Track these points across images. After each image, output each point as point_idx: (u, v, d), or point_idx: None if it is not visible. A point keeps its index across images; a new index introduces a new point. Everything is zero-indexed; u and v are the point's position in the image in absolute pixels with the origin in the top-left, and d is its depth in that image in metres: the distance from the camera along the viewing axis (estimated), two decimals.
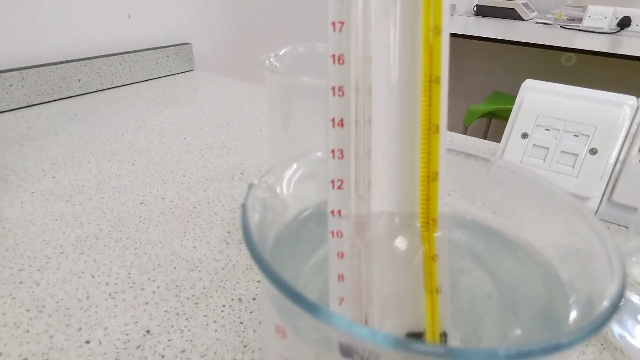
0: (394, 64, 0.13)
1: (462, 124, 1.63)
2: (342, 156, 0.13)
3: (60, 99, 0.60)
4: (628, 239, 0.30)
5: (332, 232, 0.13)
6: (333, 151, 0.13)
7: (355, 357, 0.09)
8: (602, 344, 0.25)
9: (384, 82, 0.13)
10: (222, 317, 0.26)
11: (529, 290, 0.13)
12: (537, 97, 0.40)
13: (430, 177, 0.12)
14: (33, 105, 0.58)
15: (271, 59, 0.28)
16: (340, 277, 0.13)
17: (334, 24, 0.13)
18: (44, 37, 0.59)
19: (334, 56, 0.13)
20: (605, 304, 0.09)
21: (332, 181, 0.13)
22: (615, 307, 0.09)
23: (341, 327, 0.08)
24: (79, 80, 0.62)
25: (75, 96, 0.62)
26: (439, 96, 0.12)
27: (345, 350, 0.09)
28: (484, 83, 1.96)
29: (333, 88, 0.13)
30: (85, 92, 0.63)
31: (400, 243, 0.13)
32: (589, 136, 0.37)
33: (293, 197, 0.14)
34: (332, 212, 0.13)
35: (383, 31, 0.13)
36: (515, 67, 1.89)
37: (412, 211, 0.14)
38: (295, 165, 0.14)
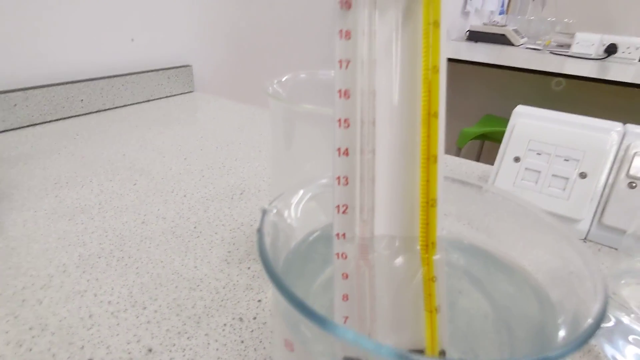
0: (395, 99, 0.14)
1: (456, 146, 1.65)
2: (347, 183, 0.14)
3: (63, 119, 0.61)
4: (618, 261, 0.31)
5: (338, 254, 0.14)
6: (339, 178, 0.14)
7: None
8: None
9: (386, 115, 0.14)
10: (223, 336, 0.26)
11: (522, 310, 0.14)
12: (528, 122, 0.42)
13: (429, 204, 0.13)
14: (36, 124, 0.58)
15: (274, 85, 0.29)
16: (345, 297, 0.13)
17: (340, 62, 0.14)
18: (49, 59, 0.60)
19: (340, 91, 0.14)
20: (590, 320, 0.10)
21: (338, 206, 0.14)
22: (598, 324, 0.10)
23: (349, 340, 0.09)
24: (82, 100, 0.63)
25: (77, 116, 0.63)
26: (437, 129, 0.13)
27: None
28: (476, 106, 2.01)
29: (339, 120, 0.14)
30: (88, 112, 0.65)
31: (402, 265, 0.14)
32: (578, 160, 0.39)
33: (301, 220, 0.14)
34: (338, 235, 0.14)
35: (386, 69, 0.14)
36: (506, 91, 1.93)
37: (413, 234, 0.14)
38: (302, 191, 0.15)
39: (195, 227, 0.37)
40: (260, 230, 0.12)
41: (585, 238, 0.40)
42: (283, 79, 0.30)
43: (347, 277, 0.14)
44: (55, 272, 0.31)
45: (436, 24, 0.13)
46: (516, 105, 0.44)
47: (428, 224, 0.13)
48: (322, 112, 0.23)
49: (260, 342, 0.26)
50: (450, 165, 0.54)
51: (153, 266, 0.32)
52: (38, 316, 0.27)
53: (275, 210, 0.13)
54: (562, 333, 0.11)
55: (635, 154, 0.37)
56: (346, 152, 0.14)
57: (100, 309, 0.27)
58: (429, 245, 0.13)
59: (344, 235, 0.14)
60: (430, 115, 0.13)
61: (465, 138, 1.61)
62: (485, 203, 0.15)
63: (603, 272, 0.10)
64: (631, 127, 0.39)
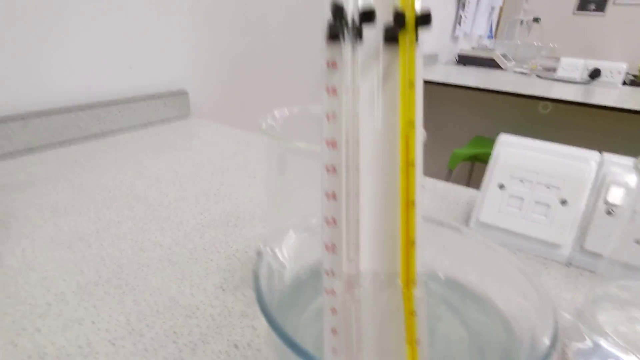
0: (377, 148, 0.15)
1: (447, 168, 1.68)
2: (335, 223, 0.15)
3: (60, 145, 0.63)
4: (596, 286, 0.32)
5: (326, 290, 0.15)
6: (327, 219, 0.15)
7: None
8: None
9: (369, 163, 0.15)
10: None
11: (492, 336, 0.15)
12: (511, 151, 0.44)
13: (409, 244, 0.15)
14: (34, 151, 0.60)
15: (268, 120, 0.31)
16: (334, 331, 0.15)
17: (327, 115, 0.15)
18: (47, 86, 0.62)
19: (327, 141, 0.15)
20: (546, 342, 0.11)
21: (326, 245, 0.15)
22: (553, 345, 0.11)
23: None
24: (79, 126, 0.64)
25: (74, 142, 0.64)
26: (415, 176, 0.15)
27: None
28: (467, 128, 2.05)
29: (327, 167, 0.15)
30: (85, 138, 0.66)
31: (385, 300, 0.15)
32: (559, 188, 0.41)
33: (293, 258, 0.16)
34: (326, 272, 0.15)
35: (368, 121, 0.15)
36: (495, 114, 1.98)
37: (395, 270, 0.16)
38: (293, 232, 0.16)
39: (191, 254, 0.38)
40: (255, 272, 0.13)
41: (568, 263, 0.41)
42: (276, 114, 0.32)
43: (335, 311, 0.15)
44: (54, 300, 0.31)
45: (412, 84, 0.14)
46: (505, 127, 0.46)
47: (408, 263, 0.15)
48: (312, 149, 0.24)
49: None
50: (440, 190, 0.56)
51: (150, 293, 0.33)
52: (37, 345, 0.27)
53: (269, 251, 0.15)
54: (523, 357, 0.13)
55: (611, 181, 0.39)
56: (333, 196, 0.15)
57: (98, 337, 0.28)
58: (409, 281, 0.15)
59: (332, 272, 0.15)
60: (408, 165, 0.14)
61: (456, 159, 1.64)
62: (461, 243, 0.17)
63: (555, 304, 0.12)
64: (608, 156, 0.41)
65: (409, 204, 0.15)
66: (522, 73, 1.93)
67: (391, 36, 0.14)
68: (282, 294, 0.16)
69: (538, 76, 1.84)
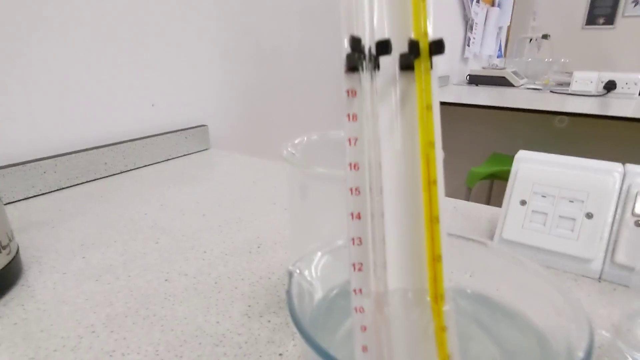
0: (399, 169, 0.16)
1: (465, 186, 1.66)
2: (361, 243, 0.16)
3: (88, 182, 0.65)
4: (632, 301, 0.31)
5: (355, 308, 0.15)
6: (353, 239, 0.16)
7: None
8: None
9: (392, 183, 0.16)
10: None
11: (526, 354, 0.15)
12: (530, 167, 0.43)
13: (435, 259, 0.15)
14: (63, 188, 0.62)
15: (288, 148, 0.32)
16: (364, 348, 0.15)
17: (349, 139, 0.16)
18: (76, 127, 0.65)
19: (351, 164, 0.16)
20: (580, 354, 0.11)
21: (353, 264, 0.16)
22: (588, 356, 0.11)
23: None
24: (105, 163, 0.67)
25: (101, 178, 0.67)
26: (437, 194, 0.15)
27: None
28: (483, 145, 2.03)
29: (351, 188, 0.16)
30: (111, 174, 0.68)
31: (415, 316, 0.15)
32: (583, 202, 0.40)
33: (321, 278, 0.16)
34: (355, 290, 0.16)
35: (389, 143, 0.16)
36: (511, 130, 1.97)
37: (423, 287, 0.16)
38: (320, 253, 0.17)
39: (215, 283, 0.39)
40: (289, 292, 0.13)
41: (599, 278, 0.40)
42: (296, 141, 0.33)
43: (365, 329, 0.15)
44: (85, 332, 0.32)
45: (429, 108, 0.15)
46: (522, 143, 0.46)
47: (436, 278, 0.15)
48: (333, 174, 0.25)
49: None
50: (460, 209, 0.56)
51: (177, 323, 0.33)
52: None
53: (298, 271, 0.15)
54: None
55: (637, 192, 0.38)
56: (358, 216, 0.16)
57: None
58: (438, 297, 0.15)
59: (360, 290, 0.16)
60: (430, 183, 0.15)
61: (474, 178, 1.63)
62: (487, 258, 0.17)
63: (588, 315, 0.12)
64: (631, 167, 0.40)
65: (432, 220, 0.15)
66: (535, 89, 1.93)
67: (407, 64, 0.15)
68: (314, 315, 0.16)
69: (552, 91, 1.83)
